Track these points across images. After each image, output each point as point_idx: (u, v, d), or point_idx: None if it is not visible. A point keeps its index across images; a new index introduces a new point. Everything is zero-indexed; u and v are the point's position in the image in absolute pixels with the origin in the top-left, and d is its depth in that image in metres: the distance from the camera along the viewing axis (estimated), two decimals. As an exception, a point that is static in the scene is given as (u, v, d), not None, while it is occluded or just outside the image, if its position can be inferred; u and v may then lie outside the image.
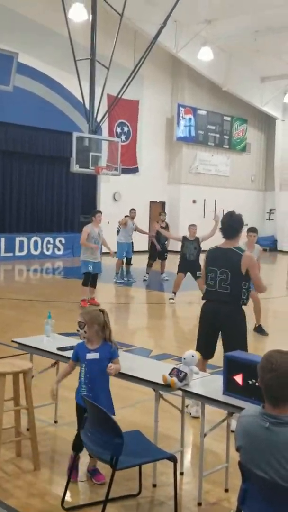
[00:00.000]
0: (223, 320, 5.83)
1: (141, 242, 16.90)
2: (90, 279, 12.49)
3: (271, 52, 24.50)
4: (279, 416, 2.74)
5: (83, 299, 12.53)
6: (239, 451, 2.88)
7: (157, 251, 16.83)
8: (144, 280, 16.74)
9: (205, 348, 5.84)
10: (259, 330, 10.51)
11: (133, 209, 17.12)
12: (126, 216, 16.94)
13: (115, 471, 3.81)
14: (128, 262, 17.06)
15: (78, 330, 4.65)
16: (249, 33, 22.62)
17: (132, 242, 17.05)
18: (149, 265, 17.00)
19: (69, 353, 5.30)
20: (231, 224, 5.97)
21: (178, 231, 17.73)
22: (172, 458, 4.06)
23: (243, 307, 5.92)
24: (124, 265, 16.97)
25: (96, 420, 4.08)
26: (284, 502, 2.71)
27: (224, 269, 5.77)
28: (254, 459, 2.77)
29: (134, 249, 17.46)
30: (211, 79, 26.27)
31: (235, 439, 2.92)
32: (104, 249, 13.65)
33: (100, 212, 13.11)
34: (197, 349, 5.73)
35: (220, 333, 5.94)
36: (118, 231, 17.00)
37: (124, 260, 16.85)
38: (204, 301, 6.12)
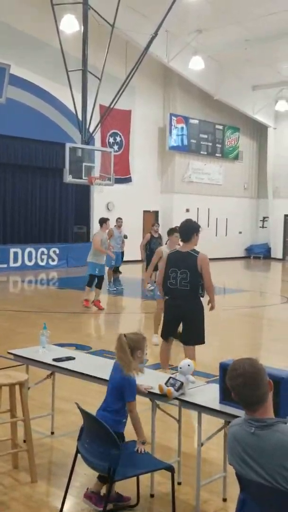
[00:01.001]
0: (186, 312, 6.92)
1: (132, 252, 16.80)
2: (96, 281, 13.55)
3: (262, 60, 24.66)
4: (263, 419, 2.76)
5: (86, 299, 13.53)
6: (231, 464, 2.89)
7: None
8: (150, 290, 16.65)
9: (168, 333, 7.26)
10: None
11: (120, 218, 17.20)
12: (114, 226, 16.98)
13: (113, 482, 3.80)
14: (116, 270, 17.00)
15: (146, 353, 4.51)
16: (239, 42, 22.75)
17: (122, 252, 17.04)
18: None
19: (64, 364, 5.31)
20: (186, 229, 7.02)
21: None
22: (170, 468, 4.06)
23: (201, 299, 7.02)
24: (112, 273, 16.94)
25: (93, 431, 4.07)
26: (283, 507, 2.71)
27: (183, 269, 6.81)
28: (248, 466, 2.77)
29: (126, 259, 17.37)
30: (203, 88, 26.38)
31: (227, 452, 2.93)
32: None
33: (108, 219, 14.37)
34: (162, 334, 7.30)
35: (182, 321, 7.06)
36: None
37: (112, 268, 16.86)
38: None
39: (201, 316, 7.00)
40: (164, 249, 9.39)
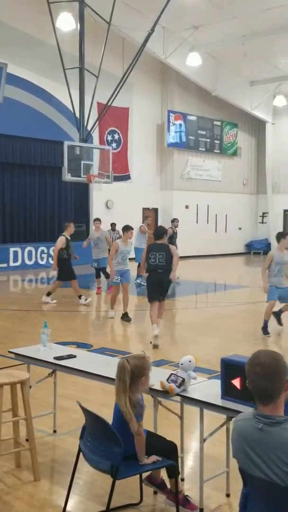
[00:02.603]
0: (161, 281, 9.92)
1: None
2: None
3: (259, 56, 24.63)
4: (272, 416, 2.72)
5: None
6: (236, 458, 2.87)
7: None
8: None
9: (154, 298, 10.05)
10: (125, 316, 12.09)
11: (148, 216, 16.89)
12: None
13: (116, 480, 3.79)
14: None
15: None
16: (236, 37, 22.73)
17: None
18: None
19: (66, 362, 5.30)
20: (160, 232, 10.17)
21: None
22: (173, 466, 4.05)
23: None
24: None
25: (95, 430, 4.06)
26: (285, 503, 2.70)
27: (161, 252, 9.80)
28: (252, 462, 2.76)
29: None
30: (200, 85, 26.36)
31: (232, 446, 2.91)
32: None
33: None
34: (149, 299, 10.12)
35: (160, 287, 9.96)
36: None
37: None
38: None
39: (169, 285, 10.23)
40: (120, 243, 11.82)
